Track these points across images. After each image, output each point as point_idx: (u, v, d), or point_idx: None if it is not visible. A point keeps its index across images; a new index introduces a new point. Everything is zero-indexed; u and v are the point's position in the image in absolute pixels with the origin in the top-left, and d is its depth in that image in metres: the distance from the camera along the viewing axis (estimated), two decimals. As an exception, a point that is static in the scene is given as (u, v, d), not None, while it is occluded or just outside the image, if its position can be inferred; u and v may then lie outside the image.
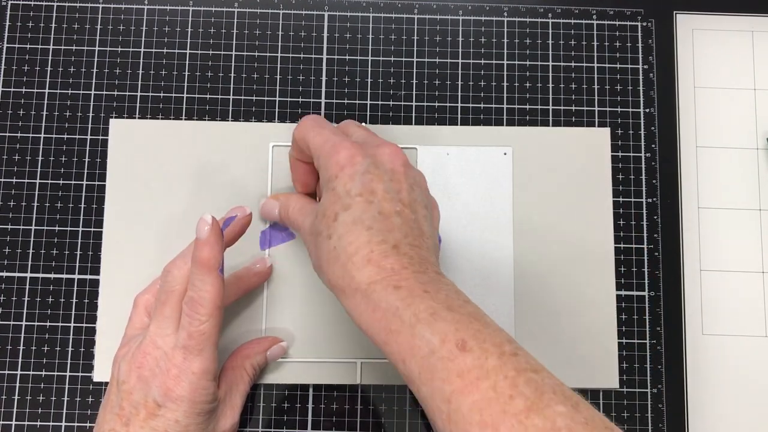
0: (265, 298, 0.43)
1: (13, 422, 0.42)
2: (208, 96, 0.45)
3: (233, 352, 0.40)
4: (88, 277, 0.43)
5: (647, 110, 0.46)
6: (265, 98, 0.45)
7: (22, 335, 0.43)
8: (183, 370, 0.34)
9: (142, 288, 0.41)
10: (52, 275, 0.43)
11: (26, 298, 0.43)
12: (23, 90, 0.45)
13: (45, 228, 0.44)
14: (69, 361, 0.42)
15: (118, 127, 0.44)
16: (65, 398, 0.42)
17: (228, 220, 0.37)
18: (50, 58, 0.45)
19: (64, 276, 0.43)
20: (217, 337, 0.36)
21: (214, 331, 0.35)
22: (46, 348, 0.43)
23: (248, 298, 0.43)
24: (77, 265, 0.43)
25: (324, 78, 0.46)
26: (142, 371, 0.35)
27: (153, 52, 0.46)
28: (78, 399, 0.42)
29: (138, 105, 0.45)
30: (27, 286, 0.43)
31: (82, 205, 0.44)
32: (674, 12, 0.47)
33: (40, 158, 0.44)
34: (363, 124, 0.42)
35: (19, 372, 0.42)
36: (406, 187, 0.34)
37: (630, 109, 0.46)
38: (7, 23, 0.46)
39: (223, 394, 0.38)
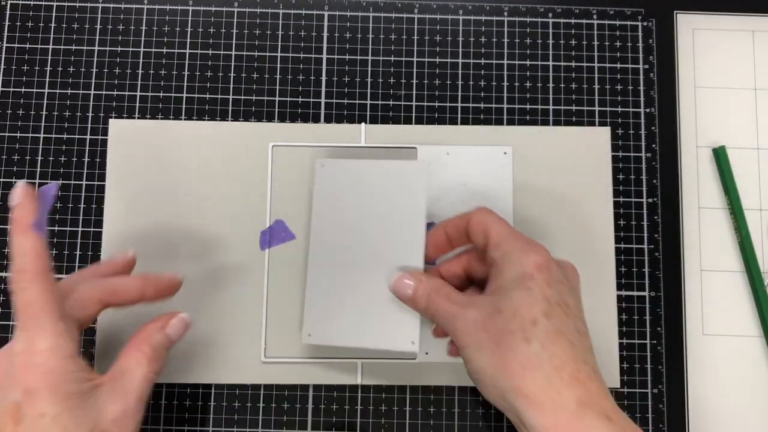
0: (265, 298, 0.43)
1: (13, 422, 0.42)
2: (208, 96, 0.45)
3: (129, 338, 0.36)
4: (88, 277, 0.43)
5: (647, 110, 0.46)
6: (265, 98, 0.45)
7: (22, 335, 0.43)
8: (27, 355, 0.31)
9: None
10: (52, 275, 0.43)
11: (26, 298, 0.43)
12: (23, 90, 0.45)
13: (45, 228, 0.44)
14: (69, 361, 0.42)
15: (118, 127, 0.44)
16: (65, 398, 0.42)
17: (45, 190, 0.34)
18: (50, 58, 0.45)
19: (64, 276, 0.43)
20: (56, 309, 0.32)
21: (46, 299, 0.31)
22: (45, 348, 0.42)
23: (248, 297, 0.42)
24: (77, 265, 0.43)
25: (324, 78, 0.46)
26: None
27: (153, 52, 0.46)
28: (78, 399, 0.42)
29: (138, 105, 0.45)
30: (27, 286, 0.43)
31: (82, 205, 0.44)
32: (674, 12, 0.47)
33: (40, 158, 0.44)
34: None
35: (18, 372, 0.42)
36: (581, 308, 0.34)
37: (630, 109, 0.46)
38: (7, 23, 0.46)
39: (110, 380, 0.33)
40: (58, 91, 0.45)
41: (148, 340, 0.35)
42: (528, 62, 0.46)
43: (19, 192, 0.33)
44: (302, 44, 0.46)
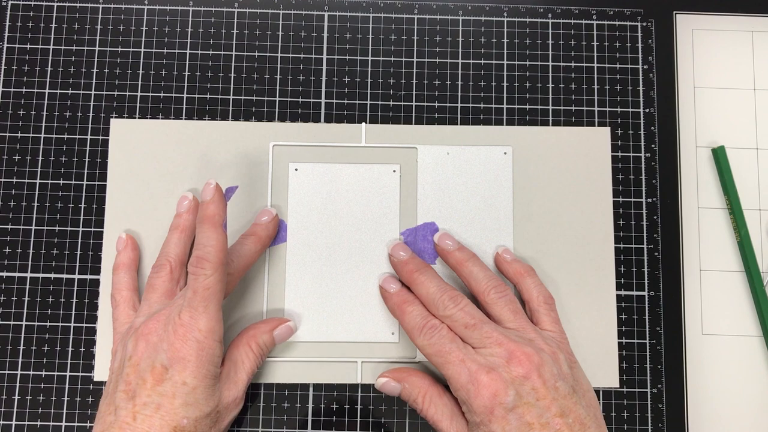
0: (265, 297, 0.43)
1: (13, 422, 0.42)
2: (208, 96, 0.45)
3: (240, 332, 0.40)
4: (88, 277, 0.43)
5: (647, 110, 0.46)
6: (265, 98, 0.45)
7: (22, 335, 0.43)
8: (189, 329, 0.35)
9: (141, 287, 0.42)
10: (52, 275, 0.43)
11: (26, 298, 0.43)
12: (23, 90, 0.45)
13: (45, 228, 0.44)
14: (69, 361, 0.42)
15: (118, 127, 0.44)
16: (65, 398, 0.42)
17: (228, 190, 0.43)
18: (50, 58, 0.45)
19: (64, 276, 0.43)
20: (221, 297, 0.37)
21: (218, 288, 0.36)
22: (46, 348, 0.43)
23: (248, 296, 0.43)
24: (77, 265, 0.43)
25: (324, 78, 0.46)
26: (150, 337, 0.36)
27: (153, 52, 0.46)
28: (78, 399, 0.42)
29: (138, 105, 0.45)
30: (27, 286, 0.43)
31: (82, 205, 0.44)
32: (674, 12, 0.47)
33: (40, 158, 0.44)
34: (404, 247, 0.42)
35: (19, 372, 0.42)
36: (550, 398, 0.35)
37: (630, 109, 0.46)
38: (7, 23, 0.46)
39: (227, 369, 0.38)
40: (58, 91, 0.45)
41: (256, 338, 0.39)
42: (528, 62, 0.46)
43: (214, 190, 0.37)
44: (302, 44, 0.46)
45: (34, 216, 0.44)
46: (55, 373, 0.42)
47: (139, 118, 0.45)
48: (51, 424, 0.42)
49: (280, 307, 0.43)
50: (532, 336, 0.37)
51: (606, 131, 0.45)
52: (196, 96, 0.45)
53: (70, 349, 0.43)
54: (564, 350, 0.38)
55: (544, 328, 0.39)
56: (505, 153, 0.44)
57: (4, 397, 0.42)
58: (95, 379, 0.42)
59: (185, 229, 0.41)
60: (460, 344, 0.37)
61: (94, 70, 0.45)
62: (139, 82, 0.45)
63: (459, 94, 0.46)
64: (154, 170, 0.44)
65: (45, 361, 0.42)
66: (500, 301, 0.39)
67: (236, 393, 0.38)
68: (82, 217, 0.44)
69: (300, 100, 0.46)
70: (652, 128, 0.46)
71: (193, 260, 0.36)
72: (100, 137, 0.45)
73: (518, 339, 0.36)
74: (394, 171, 0.44)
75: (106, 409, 0.35)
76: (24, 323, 0.43)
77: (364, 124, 0.45)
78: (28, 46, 0.46)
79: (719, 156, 0.45)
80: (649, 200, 0.45)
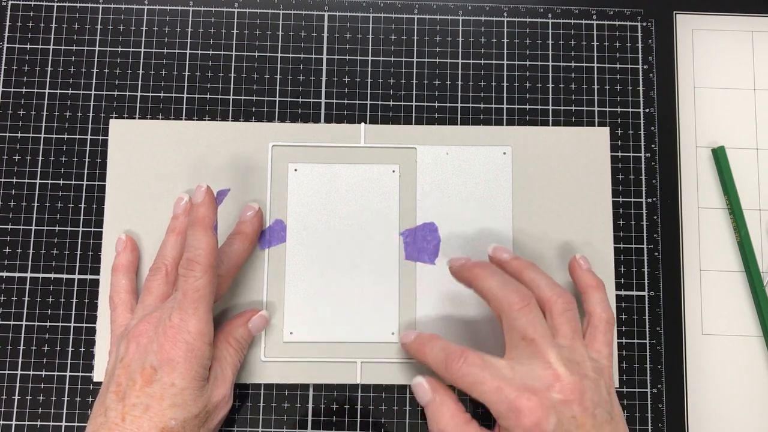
0: (265, 297, 0.43)
1: (13, 422, 0.42)
2: (208, 96, 0.45)
3: (216, 331, 0.39)
4: (88, 277, 0.43)
5: (647, 110, 0.46)
6: (265, 98, 0.45)
7: (22, 335, 0.43)
8: (179, 331, 0.35)
9: (141, 288, 0.42)
10: (52, 275, 0.43)
11: (26, 298, 0.43)
12: (23, 90, 0.45)
13: (45, 228, 0.44)
14: (69, 361, 0.42)
15: (118, 127, 0.44)
16: (65, 398, 0.42)
17: (220, 193, 0.43)
18: (50, 58, 0.45)
19: (64, 276, 0.43)
20: (212, 299, 0.37)
21: (208, 290, 0.36)
22: (46, 348, 0.43)
23: (248, 297, 0.43)
24: (77, 265, 0.43)
25: (324, 78, 0.46)
26: (141, 339, 0.36)
27: (153, 52, 0.46)
28: (78, 399, 0.42)
29: (138, 105, 0.45)
30: (27, 286, 0.43)
31: (82, 205, 0.44)
32: (674, 12, 0.47)
33: (40, 158, 0.44)
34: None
35: (19, 372, 0.42)
36: (590, 425, 0.33)
37: (630, 109, 0.46)
38: (7, 23, 0.46)
39: (213, 369, 0.38)
40: (58, 91, 0.45)
41: (233, 333, 0.40)
42: (528, 62, 0.46)
43: (204, 193, 0.37)
44: (302, 44, 0.46)
45: (34, 216, 0.44)
46: (55, 373, 0.42)
47: (138, 118, 0.45)
48: (51, 424, 0.42)
49: (280, 308, 0.43)
50: (580, 359, 0.36)
51: (605, 131, 0.45)
52: (196, 96, 0.45)
53: (69, 349, 0.43)
54: (606, 376, 0.36)
55: (595, 348, 0.38)
56: (504, 153, 0.44)
57: (4, 397, 0.42)
58: (95, 380, 0.42)
59: (181, 232, 0.41)
60: (493, 370, 0.35)
61: (94, 70, 0.46)
62: (139, 82, 0.45)
63: (459, 94, 0.46)
64: (154, 171, 0.44)
65: (45, 361, 0.42)
66: (564, 315, 0.37)
67: (224, 391, 0.38)
68: (82, 217, 0.44)
69: (300, 100, 0.46)
70: (652, 128, 0.46)
71: (183, 262, 0.36)
72: (100, 137, 0.45)
73: (566, 362, 0.35)
74: (394, 171, 0.44)
75: (98, 410, 0.35)
76: (24, 323, 0.43)
77: (363, 124, 0.45)
78: (28, 46, 0.46)
79: (719, 156, 0.45)
80: (649, 200, 0.45)
